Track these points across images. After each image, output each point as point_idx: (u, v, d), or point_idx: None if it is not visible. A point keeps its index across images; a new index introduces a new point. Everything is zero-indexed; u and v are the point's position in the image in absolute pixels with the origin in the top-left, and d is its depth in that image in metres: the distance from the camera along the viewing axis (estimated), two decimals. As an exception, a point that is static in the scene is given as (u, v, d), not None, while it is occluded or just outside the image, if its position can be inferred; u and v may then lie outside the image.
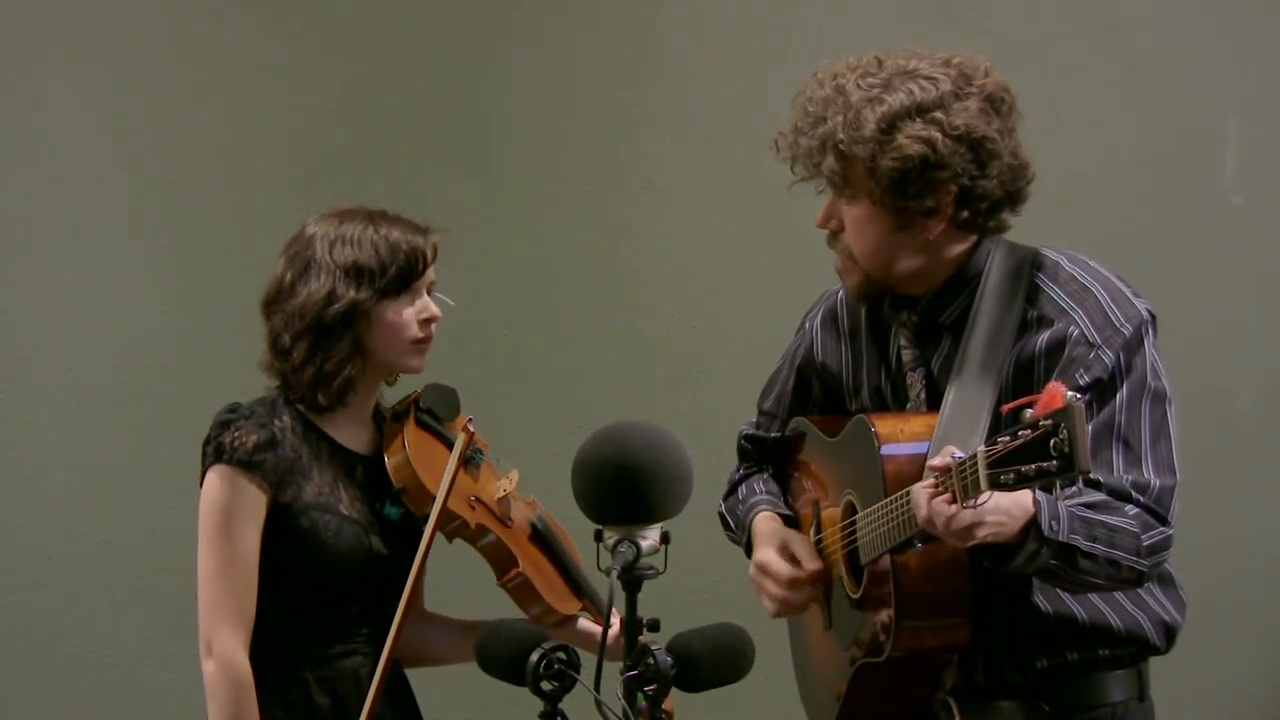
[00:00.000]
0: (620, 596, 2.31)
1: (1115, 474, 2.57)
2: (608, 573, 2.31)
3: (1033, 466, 2.28)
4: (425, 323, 2.94)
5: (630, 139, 4.40)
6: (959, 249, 2.70)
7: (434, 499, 2.89)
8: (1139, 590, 2.68)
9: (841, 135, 2.62)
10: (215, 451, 2.87)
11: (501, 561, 2.98)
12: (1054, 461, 2.26)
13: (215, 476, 2.86)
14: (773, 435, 3.05)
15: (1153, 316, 2.66)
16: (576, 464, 2.38)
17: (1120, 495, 2.56)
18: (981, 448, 2.35)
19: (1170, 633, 2.72)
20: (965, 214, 2.65)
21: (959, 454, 2.41)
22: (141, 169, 4.33)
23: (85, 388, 4.28)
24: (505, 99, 4.39)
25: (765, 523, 2.94)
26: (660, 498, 2.33)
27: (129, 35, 4.36)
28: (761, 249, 4.26)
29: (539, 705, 2.34)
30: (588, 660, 2.30)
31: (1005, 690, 2.68)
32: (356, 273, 2.89)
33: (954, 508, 2.41)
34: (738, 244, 4.30)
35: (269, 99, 4.35)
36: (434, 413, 3.01)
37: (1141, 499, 2.56)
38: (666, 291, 4.37)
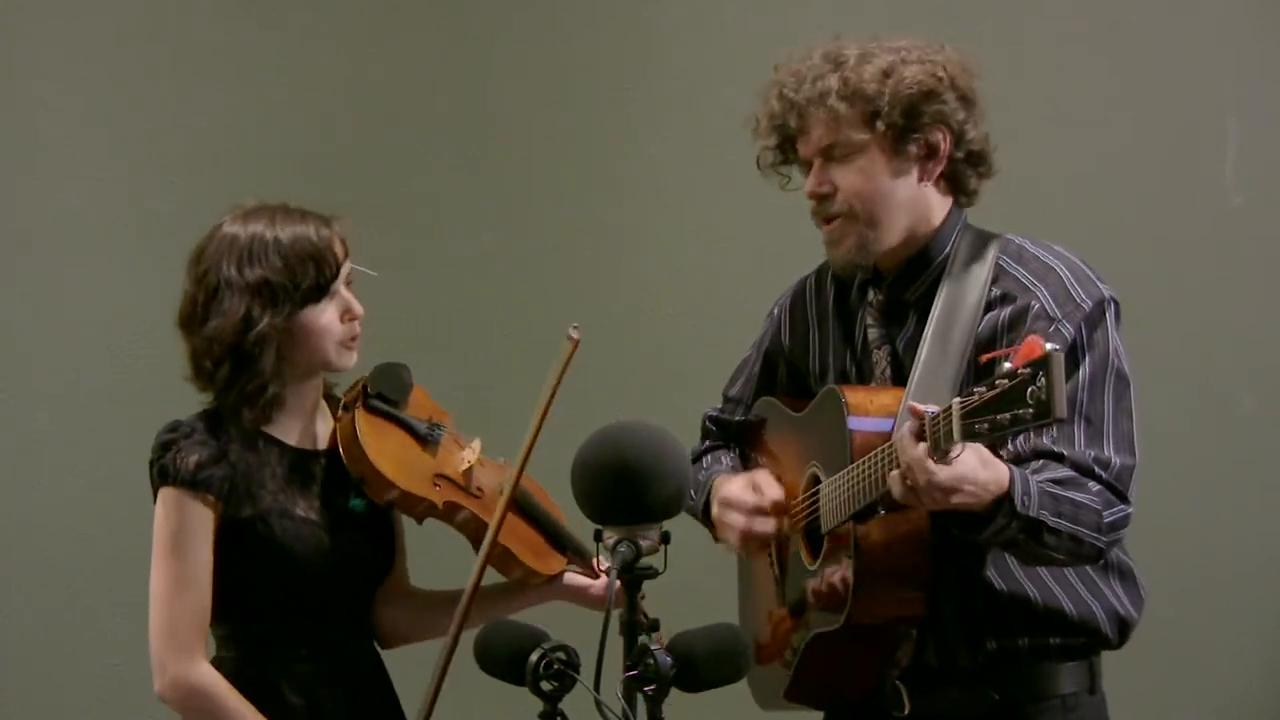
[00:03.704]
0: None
1: (1077, 448, 2.60)
2: (607, 573, 2.31)
3: (1007, 415, 2.31)
4: (350, 320, 2.90)
5: (630, 139, 4.40)
6: (934, 219, 2.78)
7: (393, 485, 2.87)
8: (1096, 580, 2.72)
9: (849, 75, 2.74)
10: (160, 474, 2.84)
11: (478, 534, 2.94)
12: (1029, 409, 2.28)
13: (162, 499, 2.84)
14: (736, 419, 3.08)
15: (1115, 302, 2.70)
16: (576, 464, 2.38)
17: (1083, 470, 2.60)
18: (957, 400, 2.38)
19: (1124, 626, 2.74)
20: (960, 155, 2.75)
21: (933, 409, 2.44)
22: (141, 169, 4.33)
23: (85, 388, 4.28)
24: (505, 98, 4.39)
25: (726, 477, 2.96)
26: (660, 498, 2.34)
27: (128, 35, 4.36)
28: (762, 249, 4.26)
29: (539, 705, 2.34)
30: (587, 660, 2.30)
31: (956, 675, 2.70)
32: (269, 292, 2.82)
33: (933, 464, 2.43)
34: (738, 244, 4.30)
35: (269, 99, 4.35)
36: (384, 396, 2.96)
37: (1103, 475, 2.60)
38: (666, 291, 4.37)
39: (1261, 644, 4.30)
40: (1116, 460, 2.61)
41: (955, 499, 2.46)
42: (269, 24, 4.37)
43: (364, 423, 2.91)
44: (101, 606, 4.27)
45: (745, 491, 2.86)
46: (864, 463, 2.59)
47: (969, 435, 2.36)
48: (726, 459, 3.07)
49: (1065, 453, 2.59)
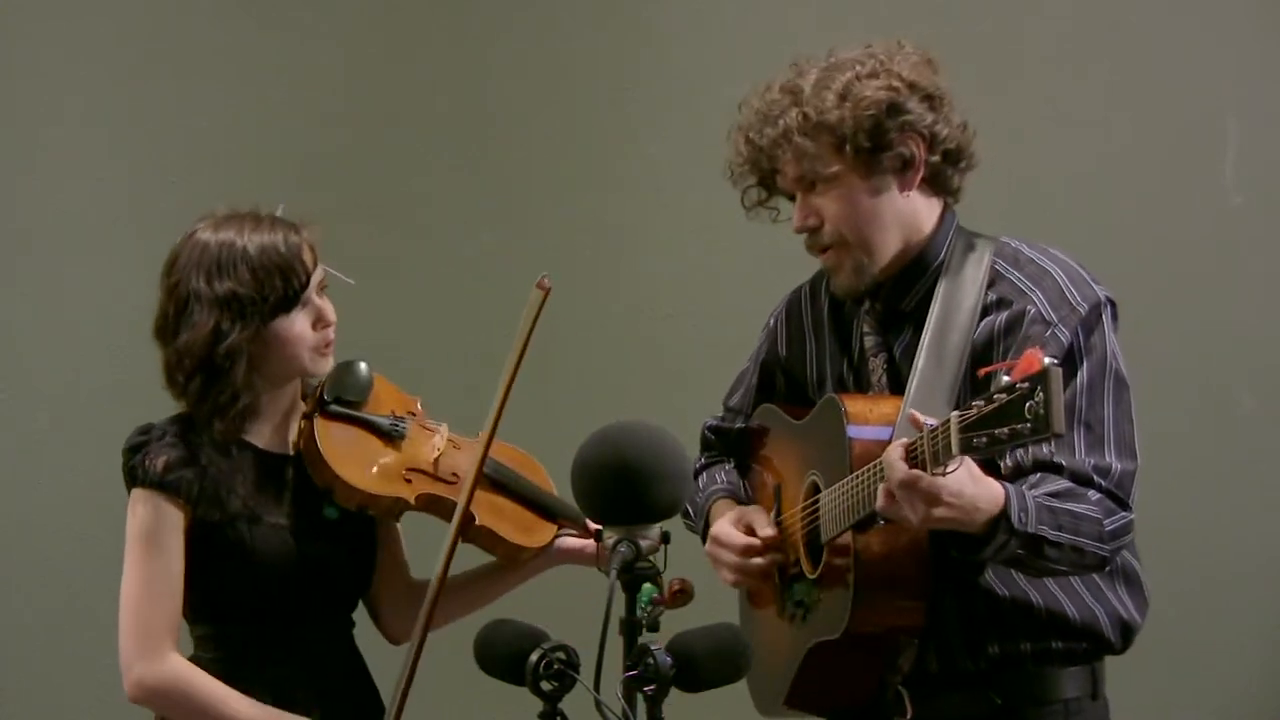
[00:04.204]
0: (620, 596, 2.32)
1: (1077, 456, 2.59)
2: (607, 573, 2.31)
3: (1005, 429, 2.29)
4: (323, 328, 2.89)
5: (630, 139, 4.40)
6: (925, 227, 2.76)
7: (359, 490, 2.87)
8: (1100, 584, 2.70)
9: (808, 109, 2.71)
10: (130, 477, 2.85)
11: (460, 520, 2.93)
12: (1027, 424, 2.26)
13: (135, 500, 2.84)
14: (736, 426, 3.08)
15: (1112, 303, 2.69)
16: (576, 464, 2.38)
17: (1082, 479, 2.58)
18: (955, 413, 2.36)
19: (1127, 630, 2.72)
20: (936, 157, 2.72)
21: (931, 421, 2.42)
22: (141, 169, 4.33)
23: (85, 388, 4.28)
24: (505, 99, 4.39)
25: (723, 508, 2.96)
26: (660, 497, 2.34)
27: (128, 35, 4.36)
28: (762, 249, 4.24)
29: (539, 705, 2.34)
30: (587, 660, 2.30)
31: (957, 679, 2.69)
32: (238, 305, 2.81)
33: (915, 471, 2.41)
34: (738, 244, 4.28)
35: (269, 99, 4.35)
36: (342, 398, 2.94)
37: (1103, 483, 2.58)
38: (666, 291, 4.37)
39: (1261, 644, 4.30)
40: (1117, 466, 2.60)
41: (938, 511, 2.43)
42: (269, 24, 4.37)
43: (323, 431, 2.89)
44: (101, 606, 4.22)
45: (734, 531, 2.85)
46: (864, 473, 2.58)
47: (967, 449, 2.34)
48: (722, 476, 3.06)
49: (1064, 463, 2.58)
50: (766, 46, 4.31)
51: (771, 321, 3.04)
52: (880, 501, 2.48)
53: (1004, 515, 2.46)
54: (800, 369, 2.96)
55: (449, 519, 2.92)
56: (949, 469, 2.39)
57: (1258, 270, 4.33)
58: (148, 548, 2.81)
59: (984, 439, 2.31)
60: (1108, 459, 2.59)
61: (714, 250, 4.34)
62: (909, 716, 2.69)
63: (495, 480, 3.00)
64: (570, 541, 3.05)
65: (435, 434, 3.00)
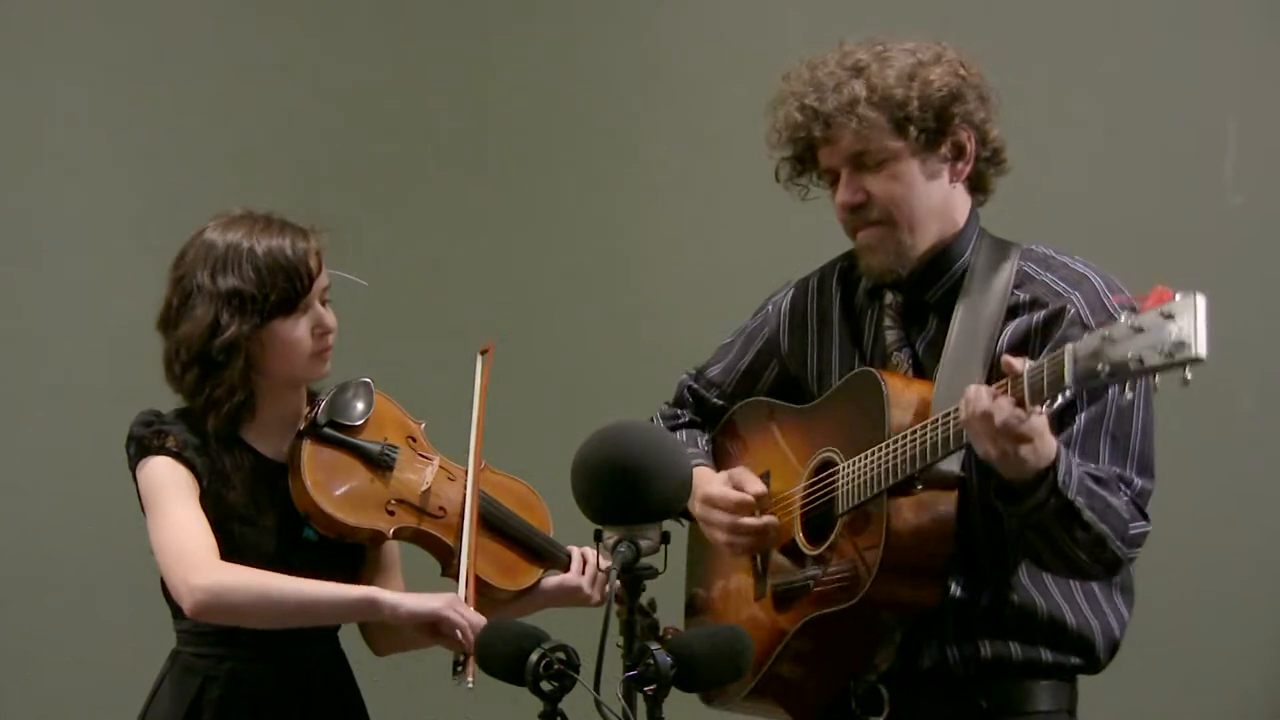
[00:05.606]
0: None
1: (1102, 464, 2.59)
2: (608, 573, 2.31)
3: (1132, 354, 2.22)
4: (321, 335, 2.89)
5: (630, 139, 4.40)
6: (959, 221, 2.76)
7: (335, 520, 2.86)
8: (1098, 596, 2.70)
9: (876, 82, 2.70)
10: (143, 449, 2.84)
11: (440, 554, 2.93)
12: (1164, 349, 2.20)
13: (148, 466, 2.84)
14: (715, 400, 3.06)
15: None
16: (576, 464, 2.38)
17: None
18: (1068, 345, 2.33)
19: (1113, 648, 2.72)
20: (986, 154, 2.74)
21: (1031, 362, 2.40)
22: (143, 170, 4.34)
23: (86, 388, 4.29)
24: (506, 99, 4.39)
25: (704, 472, 2.91)
26: (660, 498, 2.34)
27: (130, 37, 4.37)
28: (762, 249, 4.26)
29: (539, 705, 2.34)
30: (587, 660, 2.30)
31: (945, 679, 2.67)
32: (239, 301, 2.82)
33: (1016, 406, 2.39)
34: (738, 244, 4.30)
35: (270, 99, 4.35)
36: (336, 422, 2.91)
37: (1126, 491, 2.59)
38: (666, 291, 4.37)
39: (1261, 644, 4.30)
40: (1138, 482, 2.60)
41: (1025, 450, 2.41)
42: (269, 24, 4.37)
43: (308, 456, 2.88)
44: (103, 606, 4.27)
45: (728, 489, 2.83)
46: (904, 436, 2.56)
47: (1087, 377, 2.29)
48: (702, 443, 3.03)
49: (1092, 467, 2.58)
50: (766, 46, 4.32)
51: (769, 308, 3.02)
52: (968, 416, 2.43)
53: (1052, 469, 2.45)
54: (801, 362, 2.94)
55: (432, 551, 2.93)
56: (1042, 408, 2.37)
57: (1258, 270, 4.33)
58: (176, 496, 2.81)
59: (1106, 367, 2.26)
60: (1129, 473, 2.60)
61: (714, 250, 4.34)
62: (885, 715, 2.69)
63: (482, 519, 2.96)
64: (552, 581, 3.02)
65: (427, 465, 2.97)
